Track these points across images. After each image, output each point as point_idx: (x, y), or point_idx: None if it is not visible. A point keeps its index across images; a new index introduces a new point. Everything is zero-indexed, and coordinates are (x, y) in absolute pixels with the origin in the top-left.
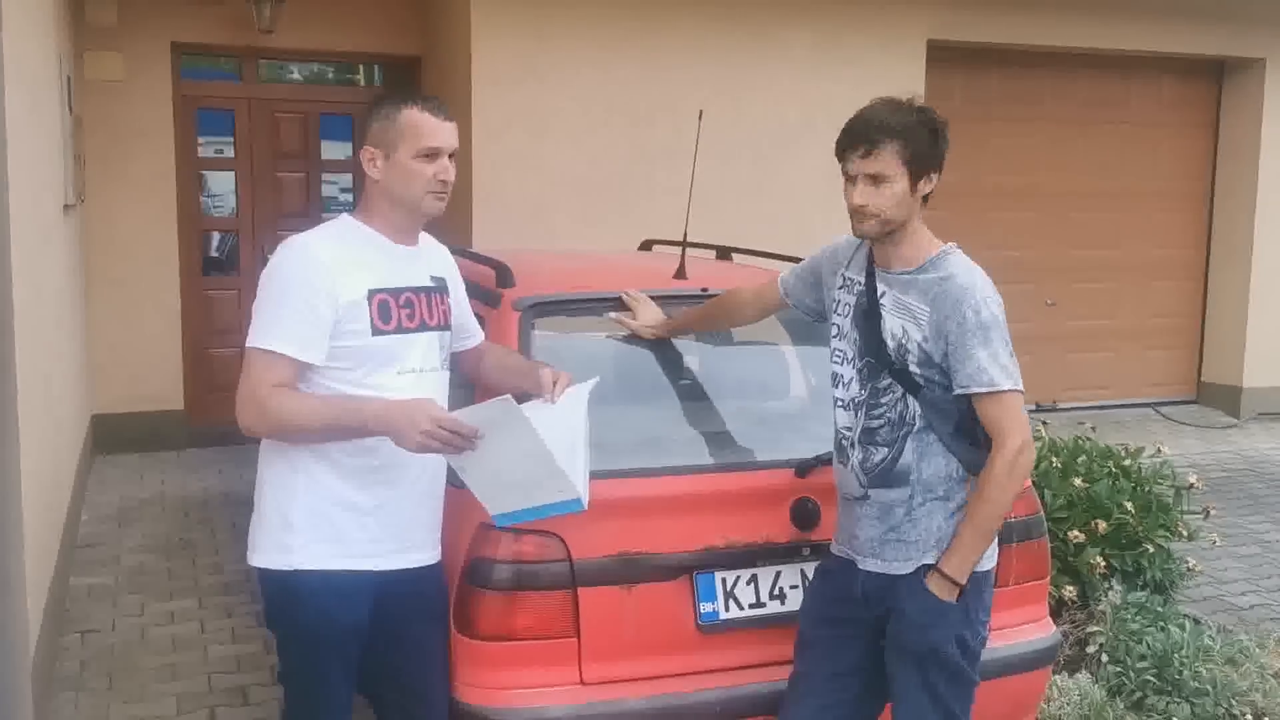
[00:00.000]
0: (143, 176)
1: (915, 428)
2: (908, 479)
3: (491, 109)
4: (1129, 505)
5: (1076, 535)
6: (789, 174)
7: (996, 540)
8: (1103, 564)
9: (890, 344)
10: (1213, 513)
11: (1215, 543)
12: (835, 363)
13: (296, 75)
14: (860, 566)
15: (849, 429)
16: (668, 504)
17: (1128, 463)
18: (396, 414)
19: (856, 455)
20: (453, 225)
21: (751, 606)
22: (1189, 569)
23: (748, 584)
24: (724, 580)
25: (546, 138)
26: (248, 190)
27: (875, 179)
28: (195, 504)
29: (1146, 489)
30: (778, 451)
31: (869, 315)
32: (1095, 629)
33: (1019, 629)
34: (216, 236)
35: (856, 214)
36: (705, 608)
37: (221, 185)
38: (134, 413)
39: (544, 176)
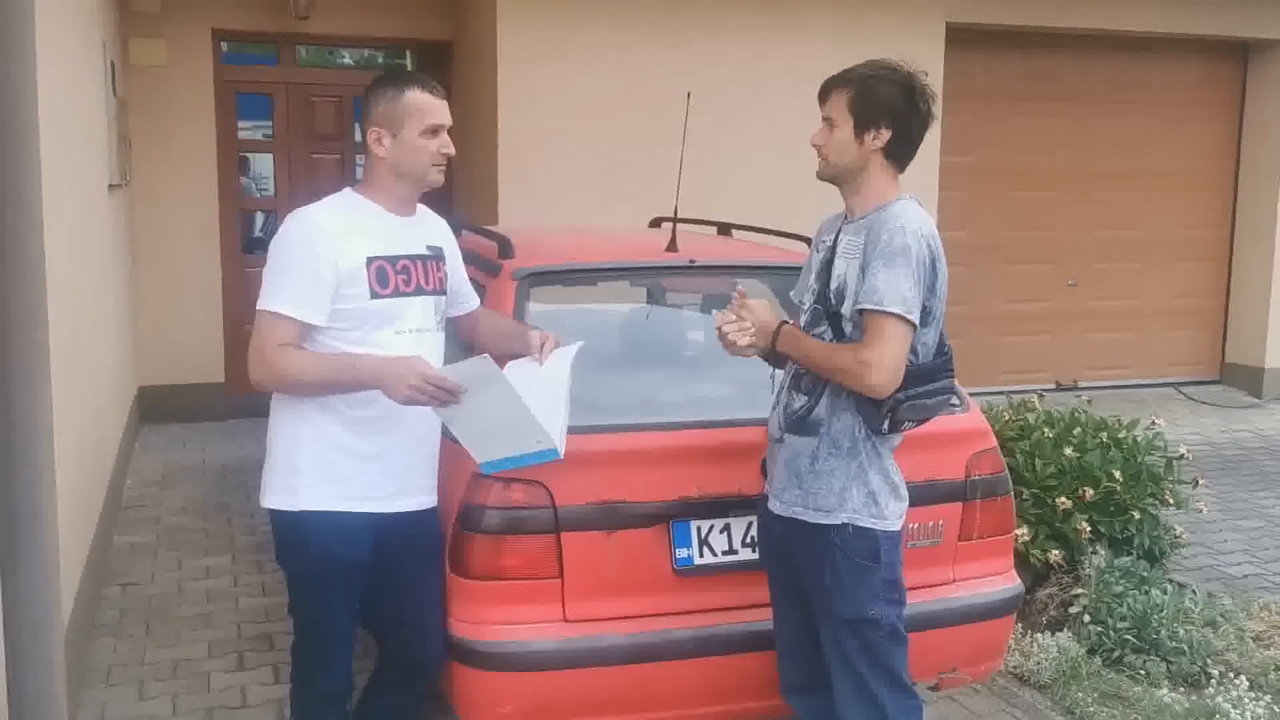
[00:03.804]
0: (185, 158)
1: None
2: (818, 430)
3: (516, 89)
4: (1116, 474)
5: (1064, 502)
6: (809, 152)
7: (905, 503)
8: (1088, 529)
9: (834, 285)
10: (1224, 488)
11: (1202, 511)
12: (802, 315)
13: (332, 60)
14: (765, 504)
15: (786, 372)
16: (647, 456)
17: (1122, 434)
18: (387, 370)
19: (783, 399)
20: (478, 201)
21: (724, 553)
22: (1176, 537)
23: (721, 532)
24: (699, 529)
25: (569, 117)
26: (285, 171)
27: (829, 123)
28: (233, 470)
29: (1137, 459)
30: (753, 410)
31: (827, 264)
32: (1079, 591)
33: (984, 580)
34: (256, 216)
35: (817, 153)
36: (681, 553)
37: (261, 167)
38: (178, 385)
39: (567, 154)
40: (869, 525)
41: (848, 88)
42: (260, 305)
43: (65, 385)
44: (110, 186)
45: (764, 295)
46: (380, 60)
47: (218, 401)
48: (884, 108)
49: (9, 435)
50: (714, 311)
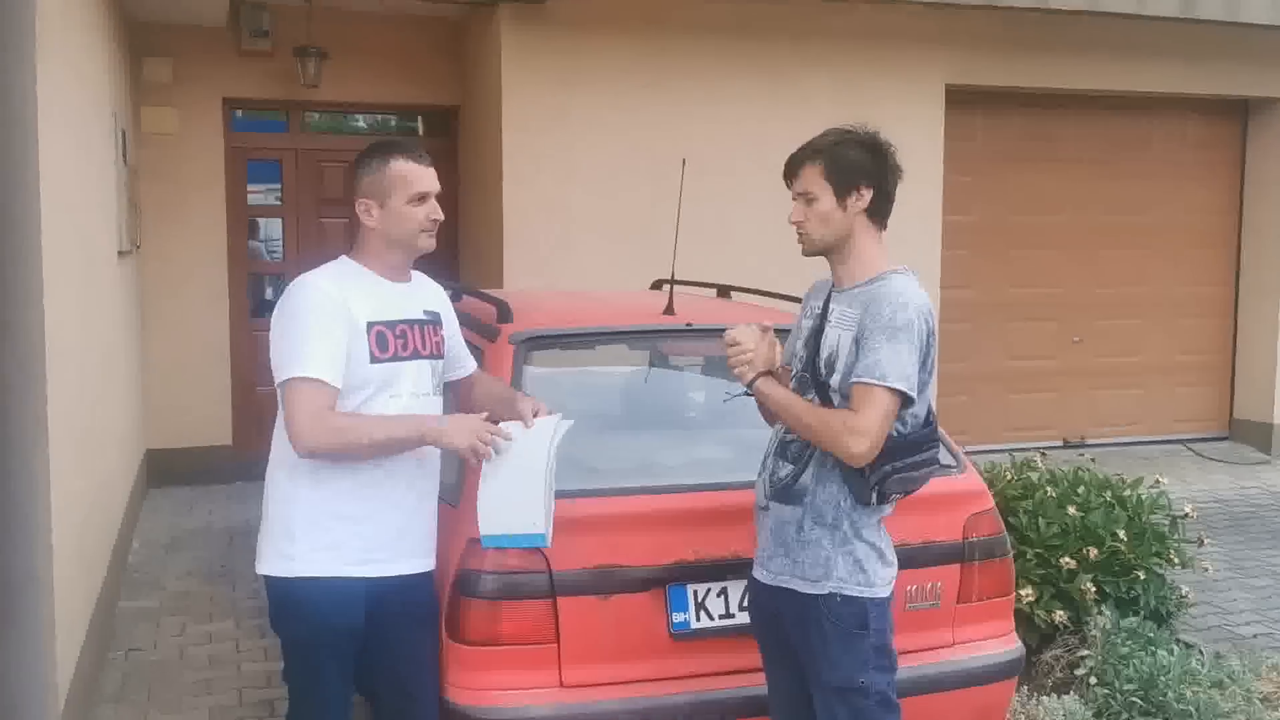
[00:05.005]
0: (196, 224)
1: (820, 449)
2: (802, 499)
3: (521, 155)
4: (1121, 533)
5: (1069, 562)
6: None
7: (894, 569)
8: (1093, 590)
9: (824, 354)
10: (1233, 546)
11: (1206, 570)
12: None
13: (341, 125)
14: (752, 572)
15: (773, 440)
16: (643, 520)
17: (1126, 493)
18: (449, 422)
19: (769, 466)
20: (483, 265)
21: (721, 617)
22: (1182, 597)
23: (718, 596)
24: (695, 592)
25: (573, 182)
26: (293, 235)
27: (806, 198)
28: (239, 533)
29: (1142, 518)
30: (749, 473)
31: (817, 331)
32: (1085, 653)
33: (984, 642)
34: (265, 280)
35: (797, 231)
36: (678, 617)
37: (270, 231)
38: (186, 448)
39: (570, 218)
40: (856, 594)
41: (818, 159)
42: (291, 374)
43: (71, 450)
44: (120, 253)
45: None
46: (393, 124)
47: (225, 464)
48: (860, 170)
49: (5, 499)
50: (731, 328)
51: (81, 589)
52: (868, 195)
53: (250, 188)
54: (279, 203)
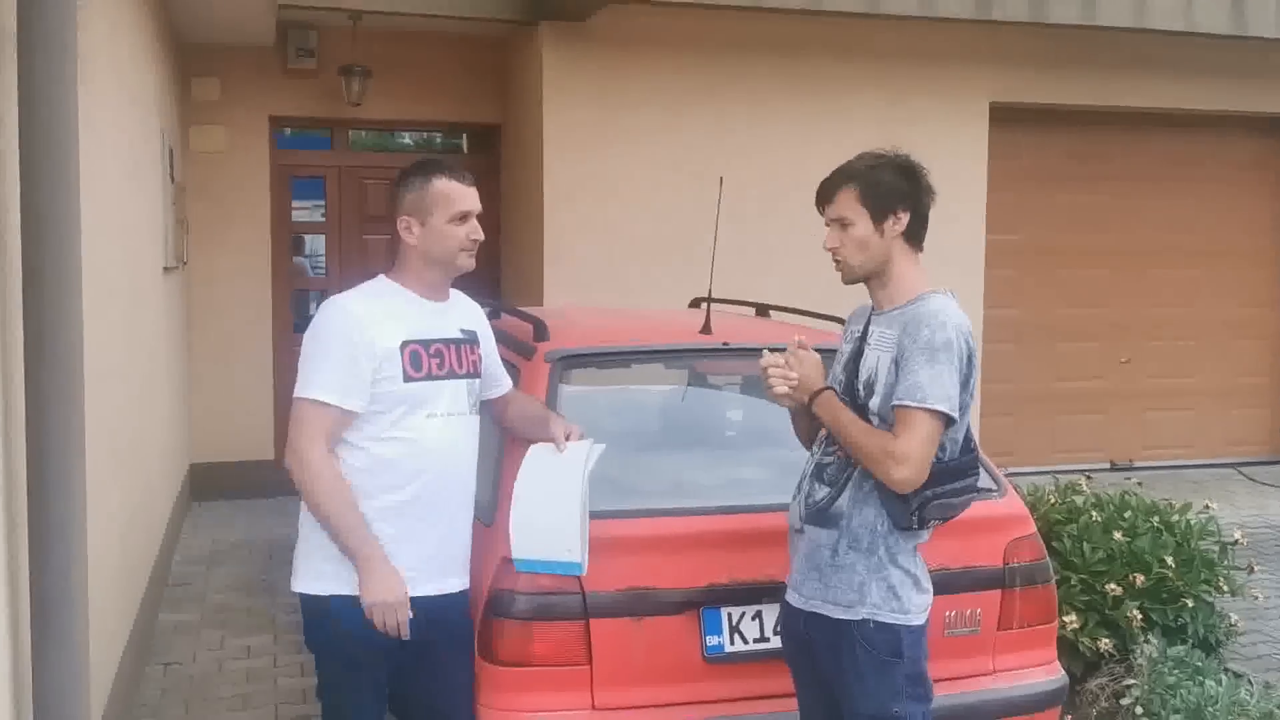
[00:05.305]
0: (241, 240)
1: (858, 470)
2: (838, 523)
3: (562, 174)
4: (1168, 560)
5: (1114, 588)
6: None
7: (929, 595)
8: (1140, 617)
9: (863, 376)
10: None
11: (1257, 598)
12: None
13: (383, 143)
14: (785, 596)
15: (809, 462)
16: (676, 542)
17: (1174, 518)
18: (383, 573)
19: (805, 489)
20: (524, 283)
21: (756, 641)
22: (1231, 625)
23: (753, 619)
24: (729, 615)
25: (614, 200)
26: (337, 252)
27: (841, 223)
28: (279, 547)
29: (1190, 544)
30: (784, 495)
31: (856, 355)
32: (1131, 682)
33: (1024, 671)
34: (308, 295)
35: (833, 258)
36: (711, 641)
37: (314, 247)
38: (229, 462)
39: (611, 236)
40: (890, 620)
41: (853, 183)
42: (300, 394)
43: (113, 464)
44: (165, 269)
45: None
46: (437, 141)
47: (268, 478)
48: (896, 193)
49: (43, 513)
50: (765, 349)
51: (121, 602)
52: (905, 219)
53: (295, 204)
54: (323, 219)
